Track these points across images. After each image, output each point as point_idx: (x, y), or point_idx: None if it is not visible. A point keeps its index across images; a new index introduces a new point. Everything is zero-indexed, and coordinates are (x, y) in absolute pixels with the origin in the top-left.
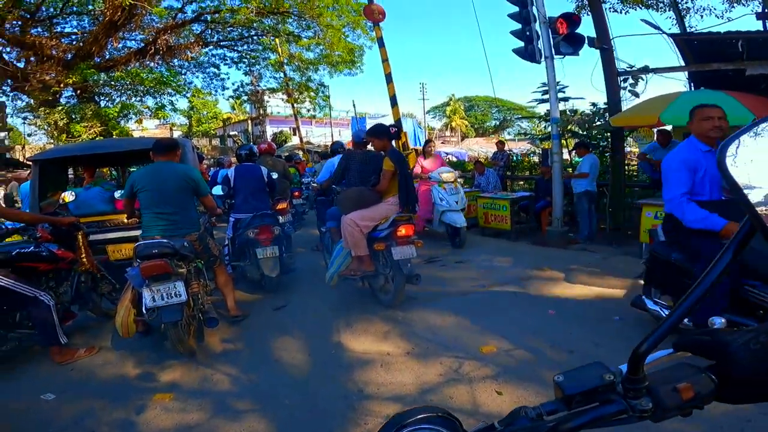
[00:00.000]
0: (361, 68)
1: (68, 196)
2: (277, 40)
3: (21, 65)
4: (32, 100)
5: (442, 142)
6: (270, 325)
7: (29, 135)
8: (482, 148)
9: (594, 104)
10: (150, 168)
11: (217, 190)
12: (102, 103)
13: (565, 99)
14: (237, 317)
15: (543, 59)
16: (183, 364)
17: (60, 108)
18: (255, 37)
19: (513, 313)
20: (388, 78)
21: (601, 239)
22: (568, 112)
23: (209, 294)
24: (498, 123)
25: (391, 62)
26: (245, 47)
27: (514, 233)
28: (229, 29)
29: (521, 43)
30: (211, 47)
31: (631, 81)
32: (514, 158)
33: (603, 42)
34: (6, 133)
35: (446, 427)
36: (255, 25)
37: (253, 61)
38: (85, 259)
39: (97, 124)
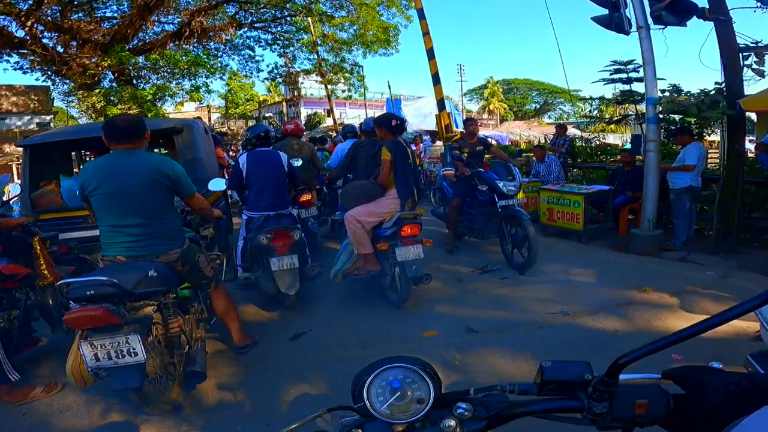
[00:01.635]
0: (396, 48)
1: (8, 188)
2: (309, 19)
3: (62, 50)
4: (71, 84)
5: (480, 125)
6: (282, 364)
7: (72, 118)
8: (523, 131)
9: (674, 85)
10: (103, 161)
11: (216, 184)
12: (140, 86)
13: (640, 79)
14: (244, 347)
15: (635, 30)
16: (163, 420)
17: (97, 91)
18: (288, 18)
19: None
20: (430, 53)
21: (699, 245)
22: (668, 92)
23: (208, 322)
24: (538, 106)
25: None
26: (279, 29)
27: (586, 234)
28: (262, 10)
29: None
30: (246, 29)
31: (755, 59)
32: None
33: (718, 12)
34: (51, 116)
35: (430, 382)
36: (288, 5)
37: (287, 42)
38: (46, 271)
39: (134, 106)
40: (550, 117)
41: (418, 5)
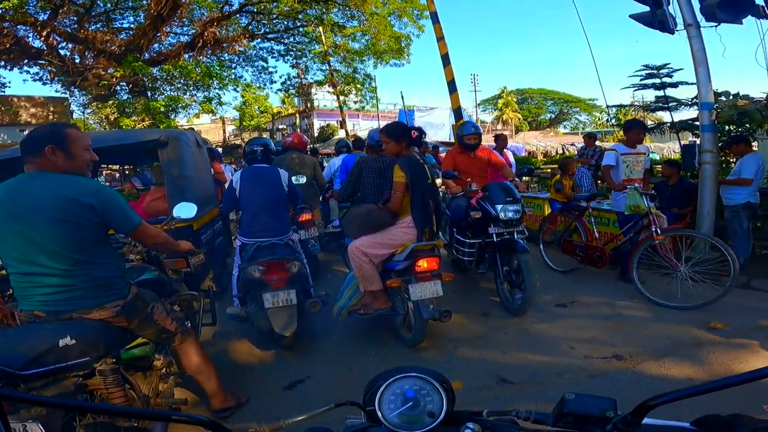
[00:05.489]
0: (408, 59)
1: None
2: (320, 28)
3: (78, 60)
4: (89, 95)
5: (494, 136)
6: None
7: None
8: (540, 142)
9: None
10: (7, 186)
11: (183, 210)
12: (155, 98)
13: (674, 84)
14: (225, 410)
15: (682, 28)
16: None
17: (111, 102)
18: (300, 29)
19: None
20: (445, 59)
21: (759, 269)
22: (723, 97)
23: (180, 376)
24: (553, 116)
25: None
26: (291, 39)
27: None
28: (274, 21)
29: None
30: (259, 40)
31: None
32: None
33: None
34: None
35: (444, 397)
36: (300, 16)
37: (300, 53)
38: None
39: (147, 118)
40: (565, 127)
41: (431, 8)
